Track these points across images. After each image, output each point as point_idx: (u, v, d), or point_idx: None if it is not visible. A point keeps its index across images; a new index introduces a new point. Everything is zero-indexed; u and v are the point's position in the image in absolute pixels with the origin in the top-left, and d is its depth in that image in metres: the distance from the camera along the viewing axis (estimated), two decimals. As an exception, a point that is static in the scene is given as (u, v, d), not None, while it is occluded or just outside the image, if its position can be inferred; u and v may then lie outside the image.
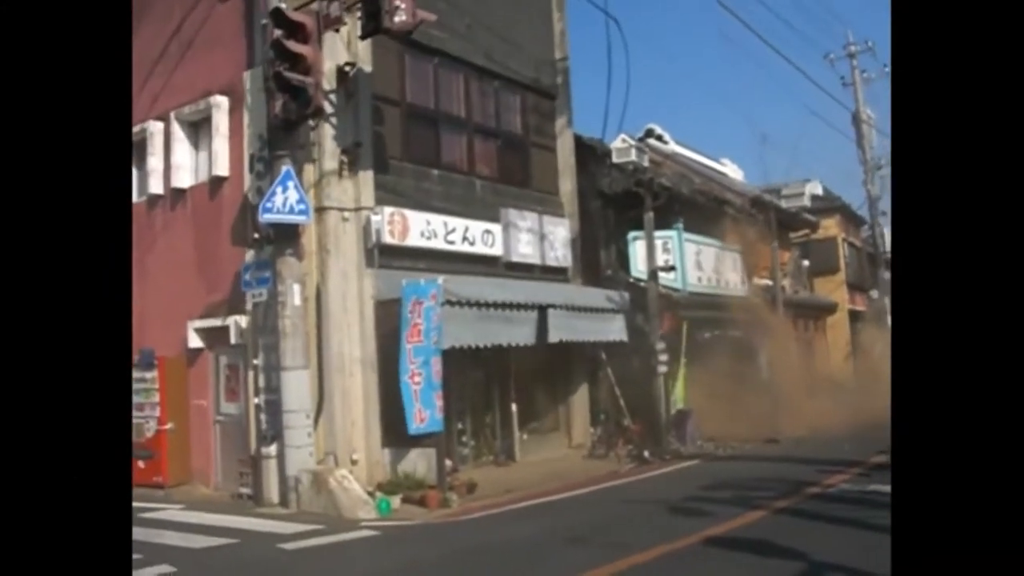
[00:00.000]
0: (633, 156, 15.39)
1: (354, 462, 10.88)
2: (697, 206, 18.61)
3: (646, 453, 13.93)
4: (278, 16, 10.43)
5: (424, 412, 10.73)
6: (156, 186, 13.29)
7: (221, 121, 12.31)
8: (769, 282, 20.47)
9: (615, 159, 15.51)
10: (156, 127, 13.31)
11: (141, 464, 12.55)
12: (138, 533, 8.96)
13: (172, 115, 13.09)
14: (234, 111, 12.20)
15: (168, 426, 12.36)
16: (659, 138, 23.14)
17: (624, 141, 15.53)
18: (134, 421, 12.72)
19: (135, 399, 12.75)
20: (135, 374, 12.77)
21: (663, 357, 14.98)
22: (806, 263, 26.08)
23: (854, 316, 28.37)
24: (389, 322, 11.24)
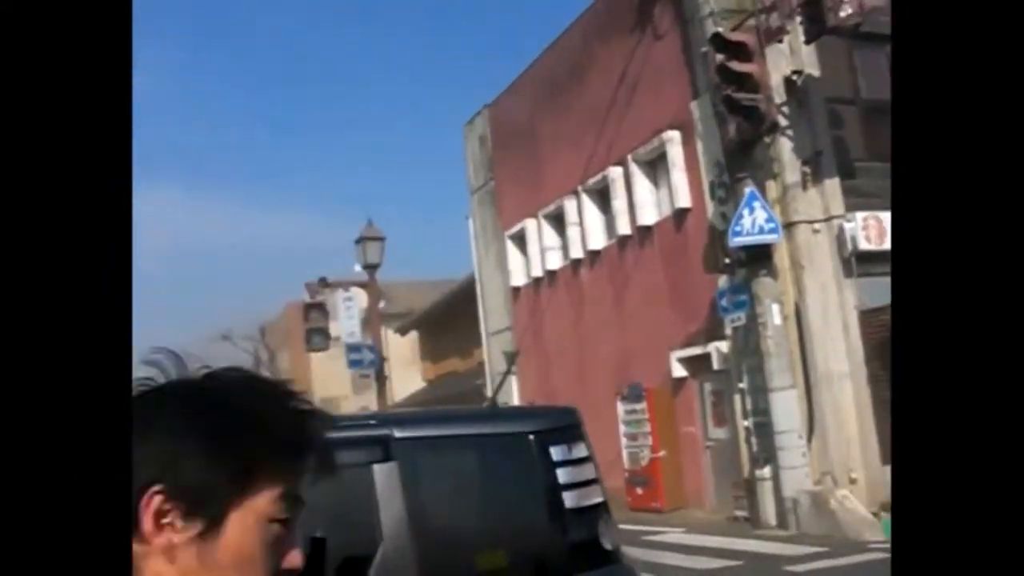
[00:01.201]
0: None
1: (852, 481, 10.38)
2: None
3: None
4: (718, 40, 10.56)
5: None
6: (623, 227, 14.17)
7: (676, 155, 12.79)
8: None
9: None
10: (616, 172, 14.23)
11: (639, 490, 13.28)
12: (643, 554, 9.51)
13: (629, 158, 13.90)
14: (686, 143, 12.60)
15: (661, 453, 12.92)
16: None
17: None
18: (627, 451, 13.53)
19: (627, 430, 13.54)
20: (625, 407, 13.58)
21: None
22: None
23: None
24: (877, 331, 10.58)
